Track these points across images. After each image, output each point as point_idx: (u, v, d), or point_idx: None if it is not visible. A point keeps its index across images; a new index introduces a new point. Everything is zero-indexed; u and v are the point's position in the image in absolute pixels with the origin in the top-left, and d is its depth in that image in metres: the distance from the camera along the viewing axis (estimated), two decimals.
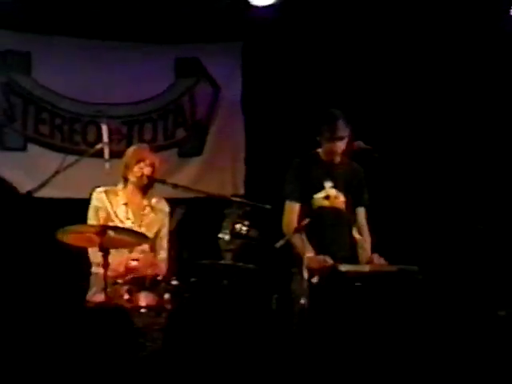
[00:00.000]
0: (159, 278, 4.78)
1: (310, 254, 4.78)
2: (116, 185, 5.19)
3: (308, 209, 5.00)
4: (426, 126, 6.72)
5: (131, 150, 5.24)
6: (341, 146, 5.04)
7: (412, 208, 6.47)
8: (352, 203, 5.14)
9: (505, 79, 6.65)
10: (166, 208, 5.23)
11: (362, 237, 5.14)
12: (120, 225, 5.01)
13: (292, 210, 5.03)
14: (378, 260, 4.89)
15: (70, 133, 6.70)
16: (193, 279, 4.81)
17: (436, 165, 6.62)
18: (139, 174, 5.09)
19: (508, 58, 6.60)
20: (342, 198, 5.10)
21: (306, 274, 4.65)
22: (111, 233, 4.69)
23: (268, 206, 5.09)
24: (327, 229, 5.00)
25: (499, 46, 6.54)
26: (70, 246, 4.75)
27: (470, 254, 6.37)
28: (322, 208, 5.04)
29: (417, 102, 6.73)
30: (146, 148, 5.35)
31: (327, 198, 5.06)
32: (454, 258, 6.34)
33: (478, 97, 6.70)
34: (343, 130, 5.01)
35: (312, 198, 5.04)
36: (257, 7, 6.36)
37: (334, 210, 5.07)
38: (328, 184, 5.08)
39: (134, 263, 4.93)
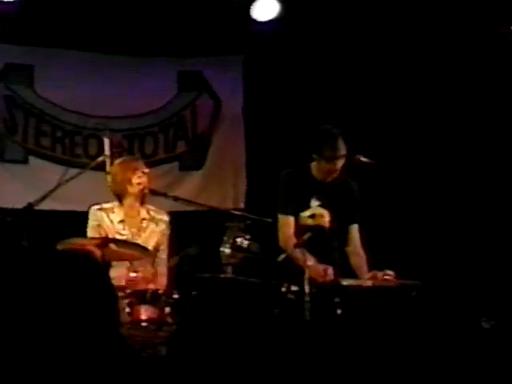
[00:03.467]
0: (160, 291, 4.77)
1: (311, 262, 4.75)
2: (113, 199, 5.16)
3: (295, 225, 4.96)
4: (428, 139, 6.72)
5: (119, 164, 5.11)
6: (340, 164, 4.98)
7: (414, 222, 6.46)
8: (342, 221, 5.06)
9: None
10: (166, 218, 5.20)
11: (357, 256, 5.08)
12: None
13: (286, 224, 5.01)
14: (382, 276, 4.86)
15: (71, 145, 6.70)
16: (194, 293, 4.80)
17: (438, 178, 6.62)
18: (141, 187, 5.05)
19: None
20: (327, 218, 4.93)
21: (307, 288, 4.64)
22: (113, 246, 4.68)
23: (269, 220, 5.08)
24: (311, 249, 4.80)
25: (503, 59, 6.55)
26: None
27: (472, 268, 6.36)
28: (306, 227, 4.90)
29: (419, 115, 6.74)
30: (134, 158, 5.34)
31: (312, 216, 4.91)
32: (456, 272, 6.33)
33: (479, 109, 6.71)
34: (343, 149, 4.94)
35: (298, 215, 4.94)
36: (258, 21, 6.38)
37: (317, 229, 4.87)
38: (315, 202, 4.99)
39: (134, 274, 4.91)
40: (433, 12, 6.36)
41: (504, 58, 6.49)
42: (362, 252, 5.12)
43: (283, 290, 4.71)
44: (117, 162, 5.16)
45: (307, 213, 4.97)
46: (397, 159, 6.41)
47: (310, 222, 4.97)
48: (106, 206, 5.12)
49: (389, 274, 4.84)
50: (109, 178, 5.11)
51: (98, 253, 4.58)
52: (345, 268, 5.03)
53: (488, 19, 6.30)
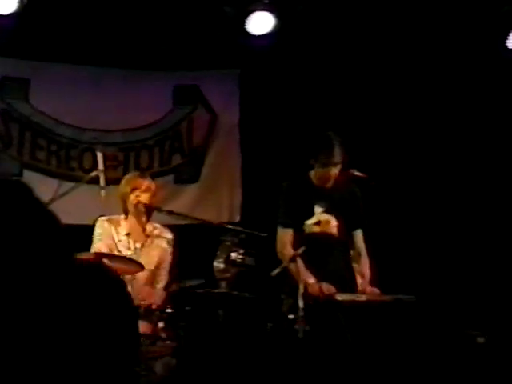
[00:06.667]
0: (153, 306, 4.75)
1: (311, 280, 4.74)
2: (118, 214, 5.17)
3: (300, 235, 4.92)
4: (422, 153, 6.72)
5: (124, 179, 5.19)
6: (335, 171, 4.93)
7: (409, 236, 6.45)
8: (347, 226, 5.03)
9: (504, 112, 6.66)
10: (169, 235, 5.20)
11: (360, 262, 5.03)
12: (121, 254, 4.99)
13: (285, 237, 4.96)
14: (372, 291, 4.85)
15: (66, 159, 6.70)
16: (187, 308, 4.78)
17: (432, 192, 6.62)
18: (135, 202, 5.07)
19: (507, 88, 6.61)
20: (334, 223, 4.98)
21: (301, 303, 4.63)
22: (107, 261, 4.67)
23: (263, 234, 5.07)
24: (319, 256, 4.87)
25: (497, 76, 6.55)
26: None
27: (467, 282, 6.35)
28: (312, 234, 4.94)
29: (413, 128, 6.74)
30: (138, 174, 5.33)
31: (318, 223, 4.95)
32: (451, 286, 6.32)
33: (474, 124, 6.71)
34: (339, 156, 4.89)
35: (303, 224, 4.95)
36: (254, 35, 6.39)
37: (325, 236, 4.97)
38: (319, 209, 4.97)
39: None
40: (431, 23, 6.37)
41: (503, 70, 6.50)
42: (364, 258, 5.05)
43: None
44: (126, 176, 5.25)
45: (312, 220, 4.97)
46: (391, 172, 6.42)
47: (316, 229, 4.96)
48: (113, 217, 5.15)
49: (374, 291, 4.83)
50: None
51: None
52: (350, 278, 4.99)
53: (484, 27, 6.30)
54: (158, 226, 5.21)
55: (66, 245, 1.52)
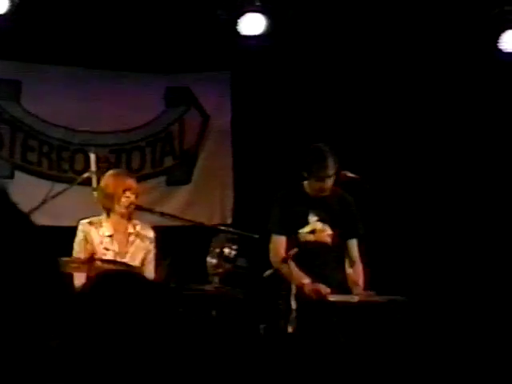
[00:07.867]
0: None
1: (306, 280, 4.77)
2: (99, 215, 5.13)
3: (294, 243, 4.94)
4: (416, 154, 6.74)
5: (112, 178, 5.06)
6: (330, 183, 4.97)
7: (402, 238, 6.46)
8: (342, 236, 5.05)
9: (499, 113, 6.68)
10: (151, 234, 5.17)
11: (354, 270, 5.05)
12: (105, 257, 4.95)
13: (278, 243, 4.99)
14: (366, 293, 4.85)
15: (57, 161, 6.68)
16: (180, 309, 4.77)
17: (425, 194, 6.63)
18: (127, 204, 5.02)
19: (501, 92, 6.63)
20: (328, 232, 5.01)
21: (293, 303, 4.64)
22: (99, 263, 4.65)
23: (256, 236, 5.07)
24: (313, 265, 4.90)
25: (491, 78, 6.58)
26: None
27: (459, 284, 6.36)
28: (307, 243, 4.96)
29: (406, 129, 6.76)
30: (128, 174, 5.29)
31: (313, 232, 4.98)
32: (443, 288, 6.33)
33: (468, 124, 6.73)
34: (332, 168, 4.93)
35: (297, 232, 4.98)
36: (246, 37, 6.39)
37: (319, 245, 4.99)
38: (313, 218, 5.00)
39: None
40: (424, 26, 6.39)
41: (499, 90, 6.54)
42: (358, 267, 5.06)
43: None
44: (110, 173, 5.13)
45: (307, 229, 4.99)
46: (384, 174, 6.43)
47: (311, 237, 4.99)
48: (94, 219, 5.08)
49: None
50: (95, 193, 5.09)
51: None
52: (344, 284, 5.00)
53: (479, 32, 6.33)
54: (138, 222, 5.16)
55: (45, 250, 1.51)
